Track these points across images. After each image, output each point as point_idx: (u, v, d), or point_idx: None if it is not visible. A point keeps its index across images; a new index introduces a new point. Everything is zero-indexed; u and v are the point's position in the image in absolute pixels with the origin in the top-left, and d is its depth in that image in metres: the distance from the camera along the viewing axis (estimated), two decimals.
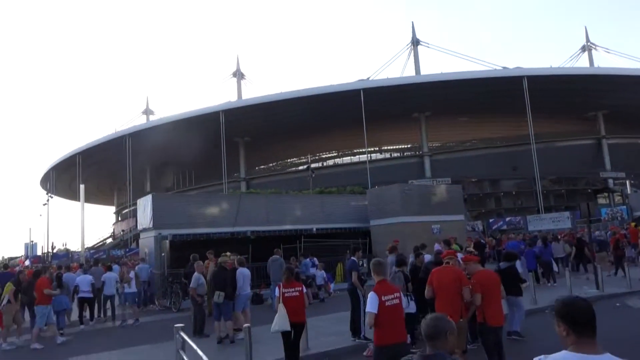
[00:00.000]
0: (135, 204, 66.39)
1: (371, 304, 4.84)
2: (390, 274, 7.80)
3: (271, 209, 17.65)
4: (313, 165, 71.23)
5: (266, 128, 57.55)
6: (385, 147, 71.90)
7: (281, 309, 6.50)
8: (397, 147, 71.88)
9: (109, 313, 13.98)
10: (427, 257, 9.47)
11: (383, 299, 4.88)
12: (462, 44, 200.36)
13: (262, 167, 73.80)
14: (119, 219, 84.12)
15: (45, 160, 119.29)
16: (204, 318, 9.87)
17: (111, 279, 13.40)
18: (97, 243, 78.74)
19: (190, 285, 9.91)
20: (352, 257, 8.71)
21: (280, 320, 6.46)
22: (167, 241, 14.83)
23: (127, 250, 50.00)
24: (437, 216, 18.34)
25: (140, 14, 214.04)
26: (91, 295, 13.14)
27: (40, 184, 79.92)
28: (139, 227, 17.62)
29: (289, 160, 77.20)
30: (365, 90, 49.25)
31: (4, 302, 10.63)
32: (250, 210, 17.16)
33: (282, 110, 52.46)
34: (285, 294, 6.62)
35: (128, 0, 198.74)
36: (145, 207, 16.59)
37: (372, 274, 5.26)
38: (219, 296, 8.61)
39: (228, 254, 12.68)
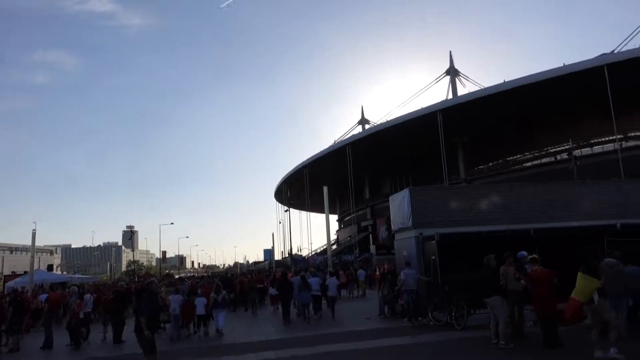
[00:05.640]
0: (356, 210, 68.66)
1: None
2: None
3: (551, 200, 14.27)
4: (544, 160, 63.52)
5: (486, 125, 52.88)
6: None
7: None
8: None
9: None
10: None
11: None
12: None
13: (482, 167, 68.63)
14: (342, 226, 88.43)
15: (279, 175, 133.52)
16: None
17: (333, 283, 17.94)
18: (322, 248, 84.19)
19: None
20: None
21: None
22: (434, 242, 12.77)
23: (357, 255, 51.36)
24: None
25: (351, 27, 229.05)
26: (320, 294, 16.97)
27: (275, 197, 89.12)
28: (393, 227, 16.17)
29: (509, 158, 70.34)
30: (610, 65, 40.83)
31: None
32: (526, 204, 14.12)
33: (505, 102, 47.22)
34: None
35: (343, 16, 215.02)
36: (400, 203, 14.97)
37: None
38: None
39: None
